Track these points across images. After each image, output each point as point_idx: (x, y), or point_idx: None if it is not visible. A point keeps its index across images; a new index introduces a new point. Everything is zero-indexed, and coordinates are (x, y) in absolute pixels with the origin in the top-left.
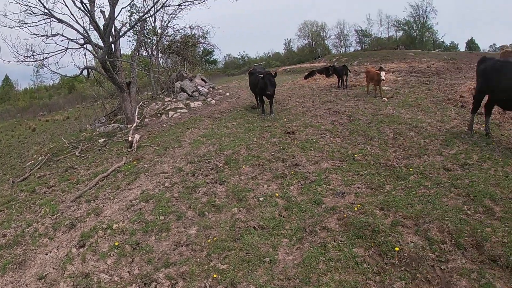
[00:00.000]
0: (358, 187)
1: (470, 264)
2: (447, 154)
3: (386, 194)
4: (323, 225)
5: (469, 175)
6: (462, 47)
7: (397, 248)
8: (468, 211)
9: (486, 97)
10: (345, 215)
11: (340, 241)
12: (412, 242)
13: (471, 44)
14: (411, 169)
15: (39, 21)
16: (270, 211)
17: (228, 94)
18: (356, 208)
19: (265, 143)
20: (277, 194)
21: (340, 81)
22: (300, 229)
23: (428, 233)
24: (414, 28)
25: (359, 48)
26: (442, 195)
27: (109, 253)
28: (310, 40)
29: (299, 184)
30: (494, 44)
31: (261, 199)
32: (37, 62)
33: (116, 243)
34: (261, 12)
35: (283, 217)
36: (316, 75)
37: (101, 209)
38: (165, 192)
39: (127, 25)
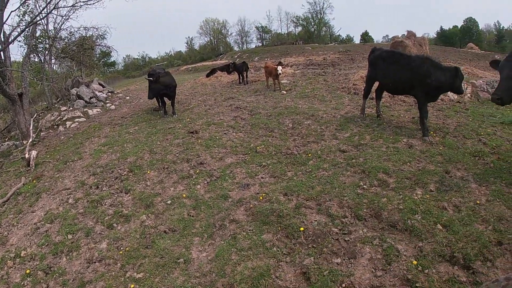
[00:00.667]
0: (262, 177)
1: (372, 232)
2: (342, 137)
3: (288, 180)
4: (232, 218)
5: (363, 154)
6: (357, 40)
7: (302, 228)
8: (364, 186)
9: (376, 83)
10: (252, 205)
11: (249, 230)
12: (316, 220)
13: (365, 36)
14: (309, 155)
15: None
16: (179, 212)
17: (128, 98)
18: (261, 197)
19: (169, 145)
20: (184, 195)
21: (241, 77)
22: (210, 225)
23: (330, 210)
24: (312, 23)
25: (260, 44)
26: (339, 174)
27: (22, 283)
28: (211, 38)
29: (205, 182)
30: (387, 35)
31: (169, 202)
32: None
33: (28, 271)
34: (161, 10)
35: (192, 216)
36: (218, 72)
37: (6, 238)
38: (70, 209)
39: (18, 29)
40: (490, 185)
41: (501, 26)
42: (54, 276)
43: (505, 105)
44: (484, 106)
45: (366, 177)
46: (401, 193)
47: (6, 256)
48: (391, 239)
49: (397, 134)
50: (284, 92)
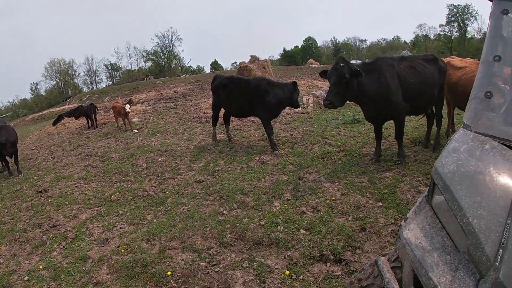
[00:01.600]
0: (120, 228)
1: (240, 255)
2: (197, 167)
3: (148, 224)
4: (95, 280)
5: (220, 180)
6: (207, 69)
7: (169, 272)
8: (224, 211)
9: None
10: (114, 261)
11: None
12: (182, 260)
13: (215, 65)
14: (167, 192)
15: None
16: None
17: None
18: (122, 250)
19: (18, 211)
20: (41, 267)
21: (89, 121)
22: None
23: (195, 245)
24: (162, 57)
25: (111, 83)
26: (199, 206)
27: None
28: (58, 81)
29: (61, 247)
30: (235, 62)
31: (26, 278)
32: None
33: None
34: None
35: None
36: (65, 119)
37: None
38: None
39: None
40: (342, 180)
41: (337, 41)
42: None
43: (338, 108)
44: (326, 112)
45: (225, 202)
46: (260, 209)
47: None
48: (260, 257)
49: (250, 153)
50: (136, 131)
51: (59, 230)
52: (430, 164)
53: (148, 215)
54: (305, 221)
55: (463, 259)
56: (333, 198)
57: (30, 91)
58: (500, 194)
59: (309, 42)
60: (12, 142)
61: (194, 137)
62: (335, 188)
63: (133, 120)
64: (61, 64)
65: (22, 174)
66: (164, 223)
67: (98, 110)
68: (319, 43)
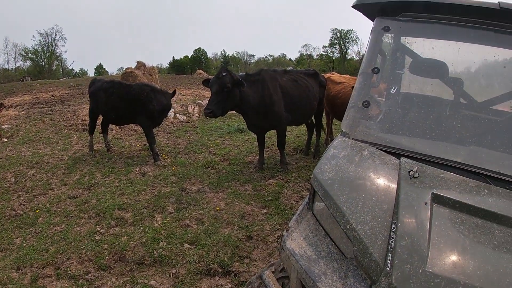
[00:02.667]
0: None
1: (121, 278)
2: (71, 181)
3: (18, 249)
4: None
5: (96, 195)
6: (91, 73)
7: None
8: (101, 230)
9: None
10: None
11: None
12: None
13: (99, 69)
14: (37, 211)
15: None
16: None
17: None
18: None
19: None
20: None
21: None
22: None
23: (70, 271)
24: (43, 57)
25: None
26: (73, 225)
27: None
28: None
29: None
30: (122, 67)
31: None
32: None
33: None
34: None
35: None
36: None
37: None
38: None
39: None
40: (226, 189)
41: (227, 54)
42: None
43: (218, 117)
44: (211, 122)
45: (102, 219)
46: (140, 225)
47: None
48: (143, 278)
49: (129, 165)
50: (5, 140)
51: None
52: (311, 170)
53: (17, 238)
54: (189, 235)
55: (351, 265)
56: (218, 208)
57: None
58: (382, 198)
59: (199, 53)
60: None
61: (69, 147)
62: (220, 198)
63: (2, 127)
64: None
65: None
66: (35, 247)
67: None
68: (209, 55)
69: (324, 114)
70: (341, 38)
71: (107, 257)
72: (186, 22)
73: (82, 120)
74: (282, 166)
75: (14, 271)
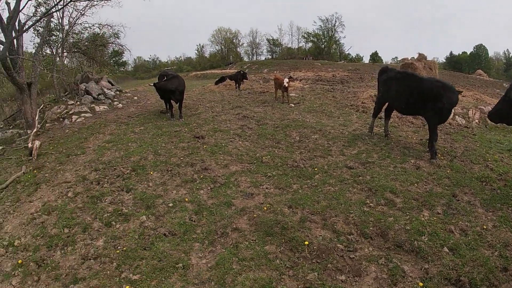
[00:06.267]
0: (266, 188)
1: (377, 251)
2: (349, 154)
3: (293, 193)
4: (234, 226)
5: (370, 172)
6: (366, 59)
7: (306, 242)
8: (371, 204)
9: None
10: (255, 215)
11: (252, 240)
12: (321, 235)
13: (375, 57)
14: (316, 169)
15: None
16: (180, 216)
17: (136, 98)
18: (265, 208)
19: (174, 148)
20: (186, 199)
21: (236, 84)
22: (212, 232)
23: (335, 226)
24: (323, 40)
25: (270, 57)
26: (346, 191)
27: (13, 273)
28: (222, 47)
29: (209, 188)
30: (396, 57)
31: (171, 205)
32: None
33: (20, 261)
34: (174, 16)
35: (194, 221)
36: (227, 81)
37: (0, 225)
38: (68, 202)
39: (33, 18)
40: (497, 211)
41: (511, 55)
42: (47, 269)
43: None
44: (491, 133)
45: (372, 195)
46: (408, 213)
47: None
48: (397, 260)
49: (405, 154)
50: (292, 105)
51: (209, 173)
52: None
53: (294, 184)
54: (451, 241)
55: None
56: (484, 227)
57: (196, 52)
58: None
59: (479, 50)
60: (180, 91)
61: (349, 123)
62: (488, 218)
63: (290, 94)
64: (227, 33)
65: (182, 119)
66: (308, 196)
67: (247, 79)
68: (490, 54)
69: None
70: None
71: (370, 228)
72: (467, 12)
73: (362, 103)
74: None
75: (287, 208)
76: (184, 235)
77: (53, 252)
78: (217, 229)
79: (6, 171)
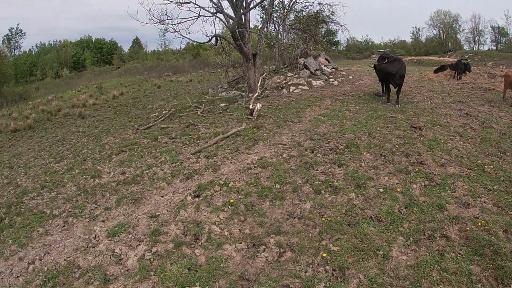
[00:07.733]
0: (484, 202)
1: None
2: None
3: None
4: (444, 232)
5: None
6: None
7: None
8: None
9: None
10: (468, 228)
11: (459, 254)
12: None
13: None
14: None
15: None
16: (389, 204)
17: (351, 77)
18: (480, 224)
19: (389, 133)
20: (398, 189)
21: (456, 74)
22: (419, 231)
23: None
24: None
25: (494, 48)
26: None
27: (222, 208)
28: (440, 32)
29: (423, 184)
30: None
31: (381, 190)
32: (169, 26)
33: (231, 201)
34: None
35: (403, 214)
36: (448, 70)
37: (218, 166)
38: (283, 162)
39: None
40: None
41: None
42: (254, 214)
43: None
44: None
45: None
46: None
47: (215, 181)
48: None
49: None
50: None
51: (425, 169)
52: None
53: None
54: None
55: None
56: None
57: (411, 35)
58: None
59: None
60: (401, 75)
61: None
62: None
63: None
64: (447, 16)
65: (399, 105)
66: None
67: (470, 71)
68: None
69: None
70: None
71: None
72: None
73: None
74: None
75: (502, 231)
76: (390, 224)
77: (263, 202)
78: (425, 229)
79: (228, 124)
